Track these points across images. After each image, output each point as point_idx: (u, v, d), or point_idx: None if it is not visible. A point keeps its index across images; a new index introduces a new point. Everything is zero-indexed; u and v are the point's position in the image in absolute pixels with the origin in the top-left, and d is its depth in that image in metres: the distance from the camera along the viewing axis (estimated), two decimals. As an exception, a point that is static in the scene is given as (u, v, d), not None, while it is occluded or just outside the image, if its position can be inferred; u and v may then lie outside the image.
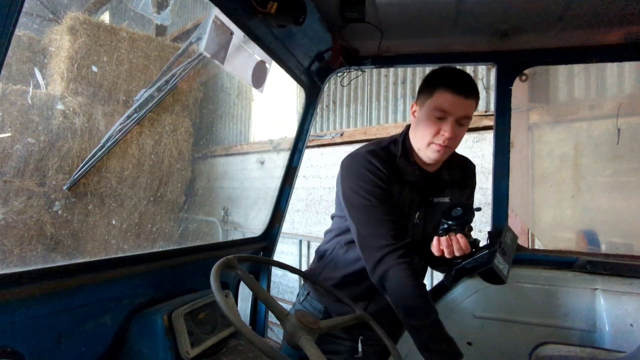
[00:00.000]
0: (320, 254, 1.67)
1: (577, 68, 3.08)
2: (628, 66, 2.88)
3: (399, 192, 1.41)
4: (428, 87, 1.36)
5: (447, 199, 1.46)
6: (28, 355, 1.04)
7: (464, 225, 1.26)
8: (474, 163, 1.62)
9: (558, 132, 3.09)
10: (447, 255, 1.26)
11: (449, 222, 1.26)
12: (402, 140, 1.46)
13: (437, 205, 1.46)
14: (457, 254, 1.24)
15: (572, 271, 1.77)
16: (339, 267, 1.55)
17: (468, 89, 1.29)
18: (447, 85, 1.29)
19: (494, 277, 1.24)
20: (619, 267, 1.71)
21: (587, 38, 1.84)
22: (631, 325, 1.62)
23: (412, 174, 1.41)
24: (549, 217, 2.87)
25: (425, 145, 1.36)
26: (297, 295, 1.78)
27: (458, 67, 4.06)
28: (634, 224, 2.48)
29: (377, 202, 1.34)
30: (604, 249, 2.54)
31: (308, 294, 1.67)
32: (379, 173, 1.37)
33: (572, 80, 3.15)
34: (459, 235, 1.25)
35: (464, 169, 1.55)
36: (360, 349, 1.45)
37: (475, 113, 3.90)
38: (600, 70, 3.02)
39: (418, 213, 1.44)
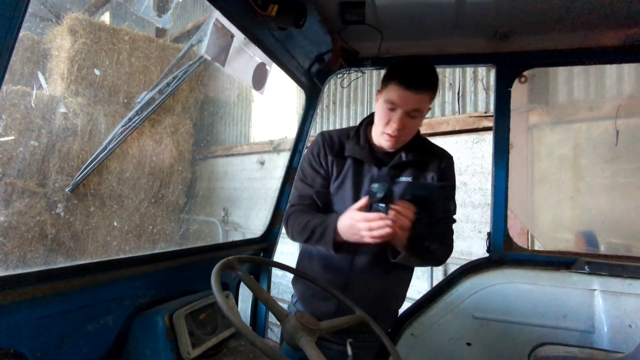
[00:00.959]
0: (300, 249, 1.76)
1: (577, 69, 3.09)
2: (627, 68, 2.89)
3: (341, 167, 1.55)
4: (385, 78, 1.41)
5: (410, 179, 1.50)
6: (30, 356, 1.04)
7: (391, 196, 1.29)
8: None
9: (557, 133, 3.09)
10: (408, 220, 1.28)
11: (383, 202, 1.28)
12: (359, 125, 1.63)
13: (400, 184, 1.50)
14: (409, 215, 1.27)
15: (571, 272, 1.78)
16: (314, 257, 1.63)
17: (419, 84, 1.32)
18: (399, 79, 1.33)
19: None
20: (617, 268, 1.72)
21: (586, 40, 1.84)
22: (630, 325, 1.62)
23: (358, 153, 1.52)
24: (548, 218, 2.88)
25: (379, 134, 1.45)
26: (292, 296, 1.80)
27: (457, 68, 4.03)
28: (633, 225, 2.48)
29: (304, 174, 1.61)
30: (602, 249, 2.54)
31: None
32: (318, 150, 1.58)
33: (571, 81, 3.16)
34: (402, 205, 1.28)
35: (437, 157, 1.56)
36: (350, 352, 1.45)
37: (474, 114, 3.89)
38: (600, 71, 3.02)
39: None
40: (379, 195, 1.26)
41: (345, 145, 1.56)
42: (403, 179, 1.50)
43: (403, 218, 1.26)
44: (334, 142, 1.58)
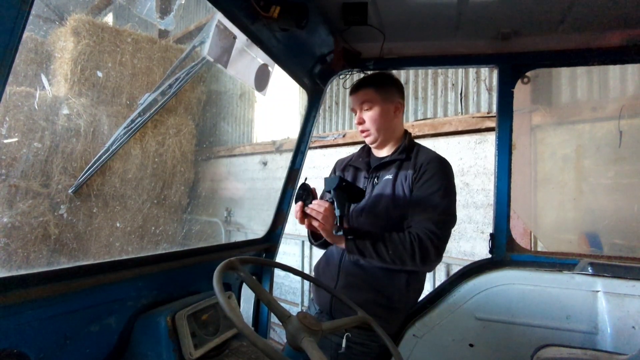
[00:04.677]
0: None
1: (580, 70, 3.08)
2: (630, 68, 2.87)
3: (352, 176, 1.87)
4: None
5: (390, 176, 1.69)
6: (33, 357, 1.05)
7: (309, 196, 1.63)
8: (446, 161, 1.70)
9: (560, 134, 3.08)
10: (319, 219, 1.54)
11: (297, 200, 1.62)
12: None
13: (383, 180, 1.72)
14: (320, 210, 1.54)
15: (574, 273, 1.77)
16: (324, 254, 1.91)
17: (355, 87, 1.79)
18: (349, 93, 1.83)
19: (352, 190, 1.59)
20: (620, 269, 1.71)
21: (589, 40, 1.84)
22: (633, 327, 1.62)
23: (355, 161, 1.89)
24: (551, 219, 2.87)
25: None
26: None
27: (460, 69, 4.03)
28: (636, 226, 2.47)
29: None
30: (606, 251, 2.53)
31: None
32: (333, 169, 2.02)
33: (574, 82, 3.15)
34: (315, 202, 1.57)
35: (419, 157, 1.70)
36: (343, 345, 1.50)
37: (477, 115, 3.87)
38: (603, 72, 3.01)
39: (366, 188, 1.75)
40: (304, 199, 1.62)
41: (356, 157, 1.92)
42: (387, 177, 1.70)
43: (314, 211, 1.54)
44: (343, 160, 1.99)
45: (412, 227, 1.56)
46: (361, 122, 1.76)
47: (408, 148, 1.75)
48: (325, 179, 1.63)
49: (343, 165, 1.95)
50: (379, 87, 1.74)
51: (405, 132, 1.84)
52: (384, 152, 1.82)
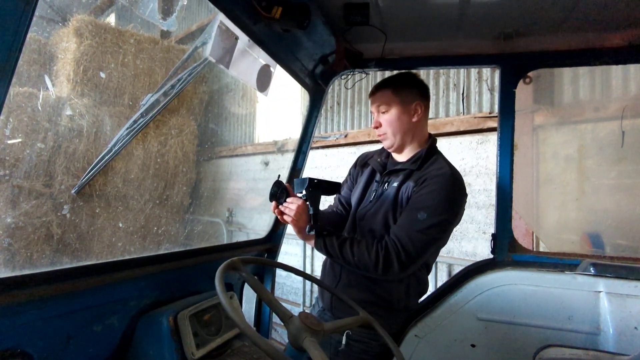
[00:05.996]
0: None
1: (582, 70, 3.07)
2: (633, 68, 2.87)
3: (362, 175, 1.86)
4: None
5: (396, 184, 1.65)
6: (37, 356, 1.05)
7: (282, 194, 1.63)
8: (446, 174, 1.58)
9: (562, 134, 3.07)
10: (292, 216, 1.58)
11: (271, 199, 1.64)
12: None
13: (390, 186, 1.68)
14: (293, 207, 1.57)
15: (576, 274, 1.77)
16: None
17: (373, 90, 1.73)
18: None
19: (324, 185, 1.63)
20: (623, 270, 1.71)
21: (591, 41, 1.84)
22: (635, 328, 1.61)
23: (373, 162, 1.83)
24: (553, 219, 2.86)
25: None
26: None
27: (462, 69, 4.01)
28: (639, 226, 2.47)
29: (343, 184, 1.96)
30: (608, 251, 2.52)
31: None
32: (353, 165, 1.97)
33: (577, 82, 3.14)
34: (289, 200, 1.60)
35: (426, 170, 1.61)
36: (343, 342, 1.52)
37: (479, 115, 3.86)
38: (605, 72, 3.00)
39: (375, 192, 1.73)
40: (279, 197, 1.64)
41: (374, 157, 1.87)
42: (394, 184, 1.66)
43: (287, 208, 1.58)
44: (366, 157, 1.94)
45: (388, 235, 1.53)
46: (377, 125, 1.70)
47: (424, 158, 1.65)
48: (294, 180, 1.67)
49: (364, 161, 1.92)
50: (397, 88, 1.66)
51: (430, 137, 1.75)
52: (402, 157, 1.74)
